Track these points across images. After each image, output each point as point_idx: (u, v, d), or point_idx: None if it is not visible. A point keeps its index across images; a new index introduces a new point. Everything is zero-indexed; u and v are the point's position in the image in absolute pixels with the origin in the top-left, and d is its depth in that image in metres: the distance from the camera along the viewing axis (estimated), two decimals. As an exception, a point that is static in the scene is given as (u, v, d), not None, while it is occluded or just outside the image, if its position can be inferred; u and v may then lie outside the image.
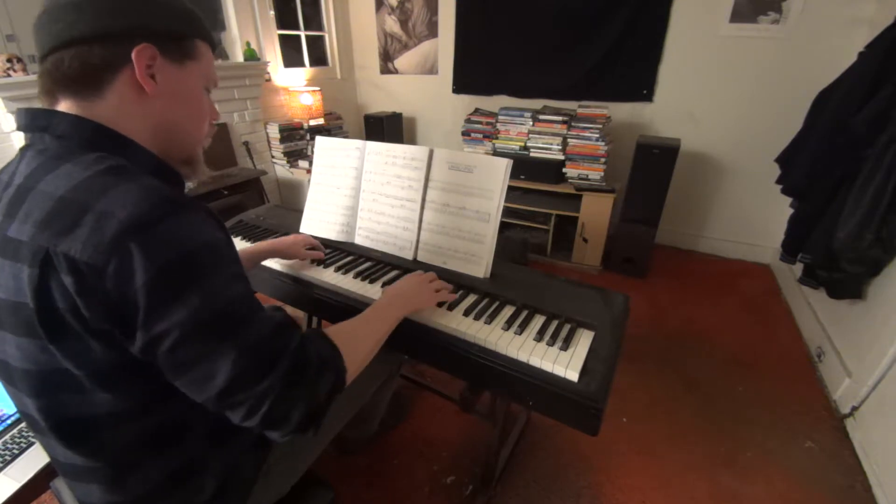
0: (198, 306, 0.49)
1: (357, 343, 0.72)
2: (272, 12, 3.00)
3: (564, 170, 2.72)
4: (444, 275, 1.07)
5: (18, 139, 1.98)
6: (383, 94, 3.82)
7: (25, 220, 0.48)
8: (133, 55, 0.53)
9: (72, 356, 0.50)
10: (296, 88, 3.17)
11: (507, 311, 0.96)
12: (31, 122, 0.54)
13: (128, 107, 0.55)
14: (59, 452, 0.59)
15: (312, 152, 2.36)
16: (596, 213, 2.54)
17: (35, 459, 0.91)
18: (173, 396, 0.54)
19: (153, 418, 0.58)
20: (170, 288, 0.47)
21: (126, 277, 0.45)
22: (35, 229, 0.47)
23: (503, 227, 1.53)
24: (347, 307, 1.01)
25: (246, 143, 2.97)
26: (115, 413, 0.55)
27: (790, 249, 1.98)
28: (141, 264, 0.45)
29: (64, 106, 0.54)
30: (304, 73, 3.41)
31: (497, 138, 2.92)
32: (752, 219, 2.75)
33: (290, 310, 1.34)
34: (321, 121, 3.24)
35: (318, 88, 3.17)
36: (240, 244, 1.30)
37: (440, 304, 0.97)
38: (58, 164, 0.50)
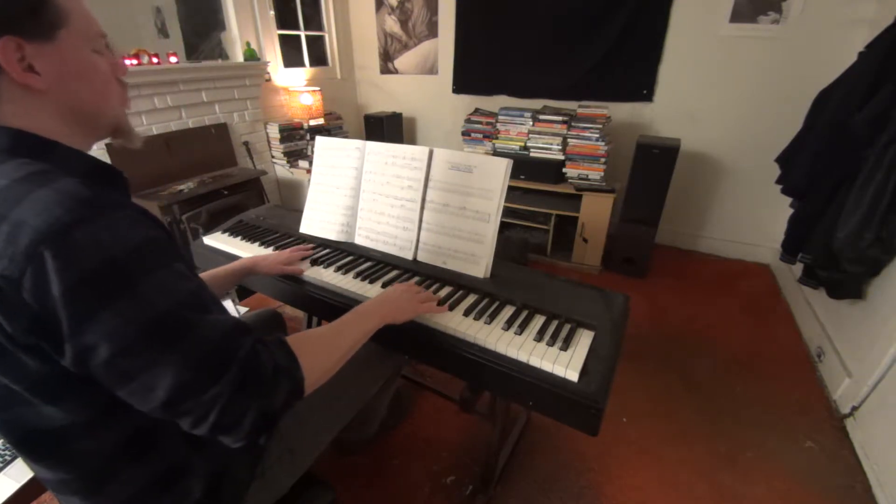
0: (129, 314, 0.46)
1: (321, 351, 0.68)
2: (272, 12, 3.00)
3: (564, 170, 2.72)
4: (444, 275, 1.08)
5: None
6: (383, 94, 3.82)
7: None
8: None
9: (6, 371, 0.48)
10: (296, 88, 3.17)
11: (507, 311, 0.96)
12: None
13: (26, 109, 0.51)
14: (33, 467, 0.57)
15: (312, 152, 2.36)
16: (596, 213, 2.54)
17: (35, 459, 0.91)
18: (130, 405, 0.51)
19: (118, 427, 0.55)
20: (93, 296, 0.44)
21: (43, 288, 0.43)
22: None
23: (503, 227, 1.53)
24: (347, 307, 1.00)
25: (246, 143, 2.97)
26: (72, 425, 0.52)
27: (790, 249, 1.98)
28: (56, 273, 0.42)
29: None
30: (304, 73, 3.41)
31: (497, 138, 2.92)
32: (752, 219, 2.74)
33: (289, 310, 1.34)
34: (321, 121, 3.24)
35: (318, 88, 3.16)
36: (237, 246, 1.30)
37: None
38: None
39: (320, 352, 0.68)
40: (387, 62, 3.67)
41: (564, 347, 0.84)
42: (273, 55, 3.07)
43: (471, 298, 1.01)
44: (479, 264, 1.07)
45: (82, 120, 0.56)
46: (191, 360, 0.49)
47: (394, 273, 1.11)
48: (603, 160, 2.59)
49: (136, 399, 0.49)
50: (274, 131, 3.07)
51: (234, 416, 0.51)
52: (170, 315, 0.49)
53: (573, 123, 2.65)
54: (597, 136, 2.57)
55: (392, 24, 3.50)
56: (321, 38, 3.60)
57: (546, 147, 2.74)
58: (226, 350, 0.52)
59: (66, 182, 0.47)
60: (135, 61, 2.20)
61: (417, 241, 1.14)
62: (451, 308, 0.97)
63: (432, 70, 3.47)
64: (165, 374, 0.47)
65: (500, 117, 2.90)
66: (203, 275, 0.97)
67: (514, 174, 2.60)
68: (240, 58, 2.84)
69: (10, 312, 0.44)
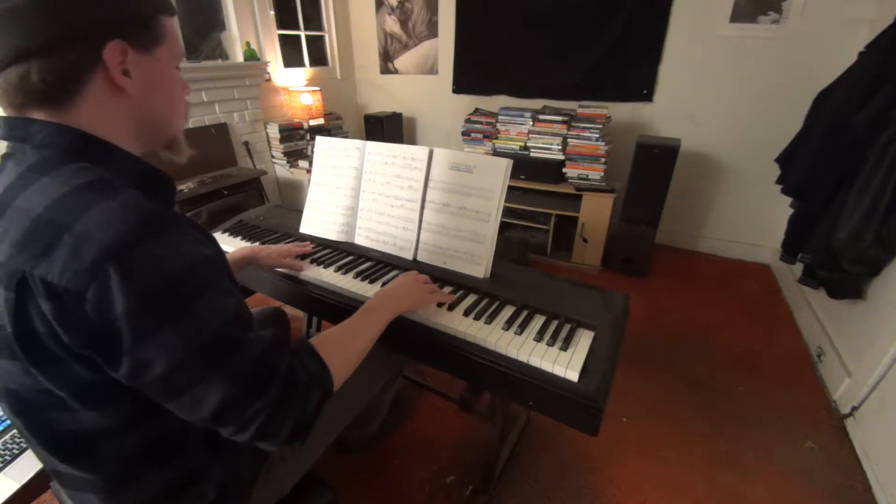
0: (186, 332, 0.47)
1: (345, 352, 0.71)
2: (272, 12, 3.00)
3: (564, 170, 2.72)
4: (444, 275, 1.08)
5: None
6: (383, 94, 3.82)
7: (3, 239, 0.46)
8: (105, 55, 0.50)
9: (54, 378, 0.49)
10: (296, 88, 3.17)
11: (507, 311, 0.96)
12: (9, 131, 0.51)
13: (105, 109, 0.53)
14: (52, 463, 0.58)
15: (312, 152, 2.36)
16: (596, 213, 2.54)
17: (35, 460, 0.90)
18: (165, 411, 0.52)
19: (147, 432, 0.57)
20: (154, 313, 0.46)
21: (106, 304, 0.44)
22: (12, 250, 0.45)
23: (503, 227, 1.53)
24: (347, 307, 1.01)
25: (246, 143, 2.97)
26: (105, 429, 0.53)
27: (790, 249, 1.98)
28: (120, 289, 0.43)
29: (38, 116, 0.51)
30: (304, 73, 3.41)
31: (497, 138, 2.92)
32: (752, 219, 2.74)
33: (289, 310, 1.34)
34: (321, 121, 3.24)
35: (318, 88, 3.16)
36: (237, 246, 1.30)
37: (439, 305, 0.97)
38: (37, 177, 0.48)
39: (342, 353, 0.71)
40: (387, 62, 3.67)
41: (564, 347, 0.84)
42: (273, 55, 3.07)
43: (471, 298, 1.01)
44: (480, 264, 1.07)
45: (150, 128, 0.60)
46: (237, 376, 0.51)
47: (394, 273, 1.11)
48: (603, 160, 2.59)
49: (184, 411, 0.51)
50: (274, 131, 3.07)
51: (274, 426, 0.54)
52: (221, 330, 0.51)
53: (573, 123, 2.65)
54: (597, 136, 2.57)
55: (392, 24, 3.50)
56: (321, 38, 3.60)
57: (546, 147, 2.74)
58: (267, 365, 0.54)
59: (129, 195, 0.48)
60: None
61: (417, 241, 1.14)
62: (452, 308, 0.97)
63: (432, 70, 3.47)
64: (214, 390, 0.50)
65: (500, 117, 2.90)
66: None
67: (514, 174, 2.60)
68: (240, 58, 2.84)
69: (70, 323, 0.45)
